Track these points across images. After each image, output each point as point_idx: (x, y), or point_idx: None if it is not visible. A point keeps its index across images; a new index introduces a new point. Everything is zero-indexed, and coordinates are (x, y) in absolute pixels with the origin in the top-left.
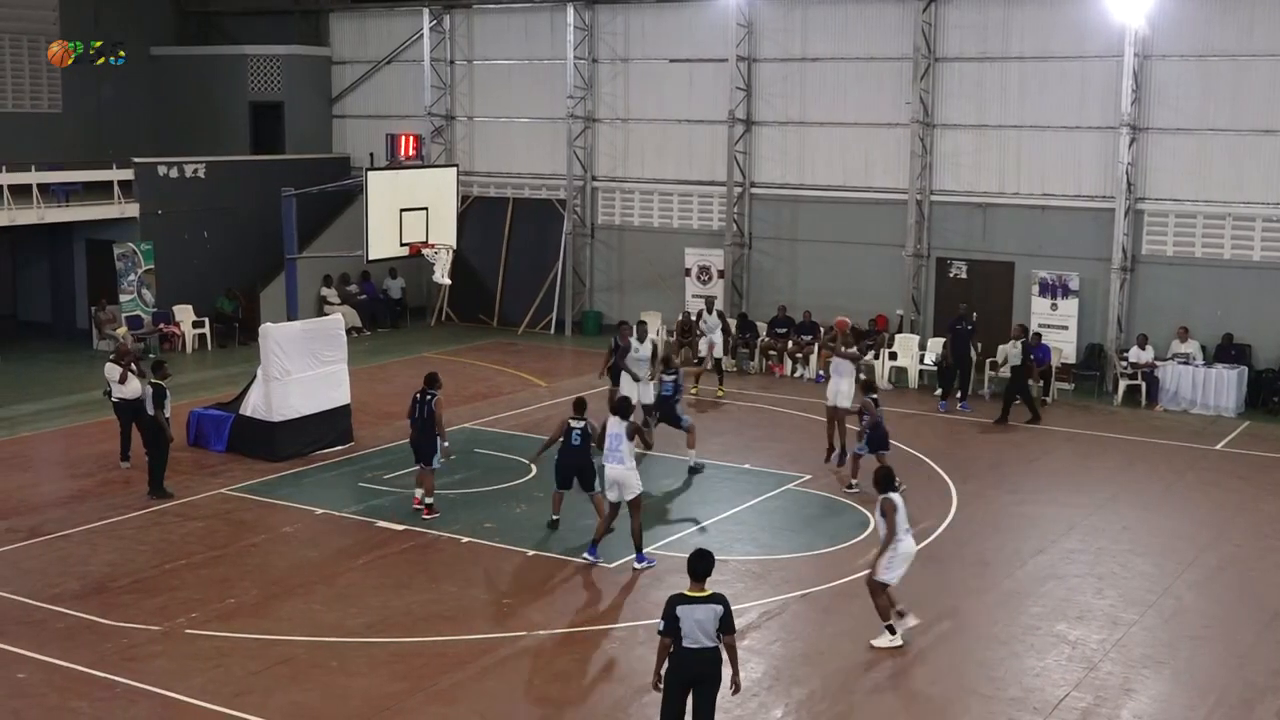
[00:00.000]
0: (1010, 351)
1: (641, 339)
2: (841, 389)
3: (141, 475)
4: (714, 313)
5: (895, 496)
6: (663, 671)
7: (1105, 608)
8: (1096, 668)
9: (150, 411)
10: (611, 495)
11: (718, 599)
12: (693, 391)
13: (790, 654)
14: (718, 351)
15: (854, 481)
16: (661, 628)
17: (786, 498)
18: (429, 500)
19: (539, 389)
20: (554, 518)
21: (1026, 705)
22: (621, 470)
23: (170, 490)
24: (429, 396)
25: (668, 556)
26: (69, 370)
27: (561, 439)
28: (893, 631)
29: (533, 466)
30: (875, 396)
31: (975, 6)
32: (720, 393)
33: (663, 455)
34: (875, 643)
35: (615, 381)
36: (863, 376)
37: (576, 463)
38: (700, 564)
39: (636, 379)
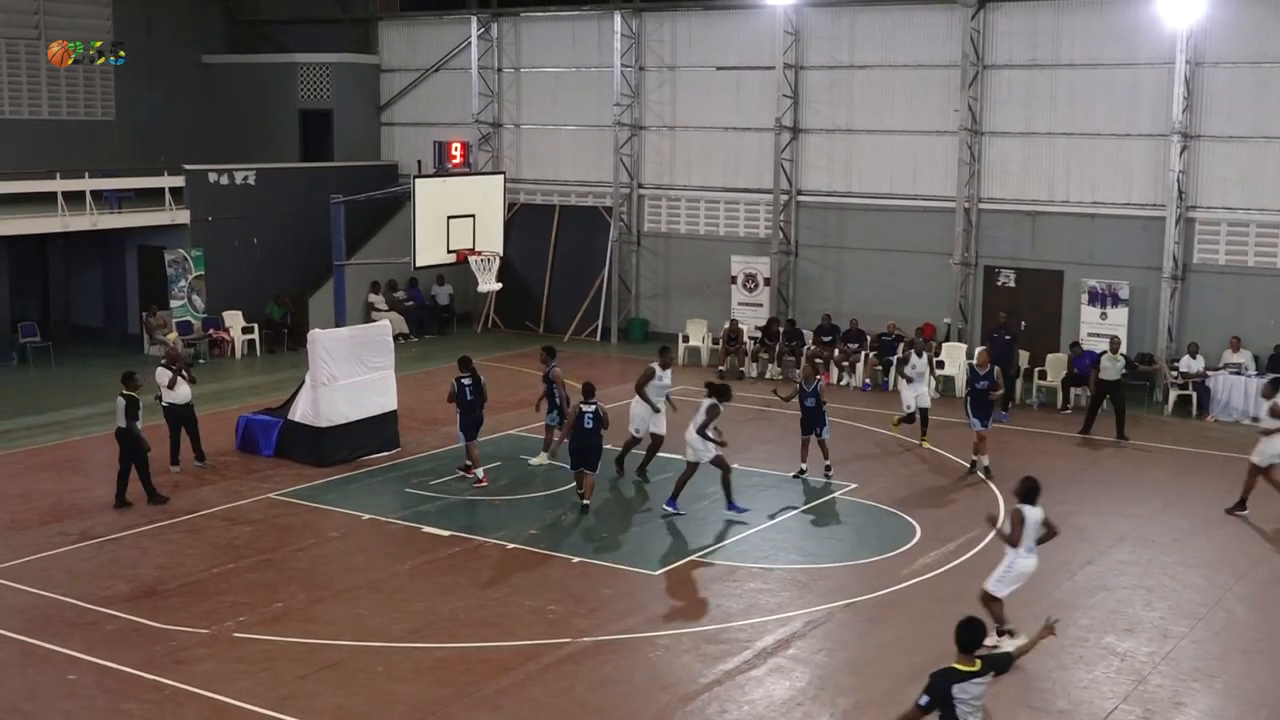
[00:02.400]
0: (1109, 365)
1: (666, 366)
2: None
3: (189, 480)
4: (924, 356)
5: (1029, 509)
6: None
7: (1155, 620)
8: (1146, 680)
9: (123, 424)
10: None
11: (987, 669)
12: (894, 428)
13: (835, 663)
14: (924, 401)
15: (826, 464)
16: (923, 702)
17: (832, 506)
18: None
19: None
20: (585, 502)
21: (1075, 717)
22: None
23: (131, 498)
24: (470, 379)
25: (710, 565)
26: (120, 375)
27: (576, 424)
28: (999, 635)
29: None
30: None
31: (1025, 13)
32: (925, 443)
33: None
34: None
35: (553, 408)
36: (820, 363)
37: (590, 444)
38: (971, 634)
39: (656, 409)
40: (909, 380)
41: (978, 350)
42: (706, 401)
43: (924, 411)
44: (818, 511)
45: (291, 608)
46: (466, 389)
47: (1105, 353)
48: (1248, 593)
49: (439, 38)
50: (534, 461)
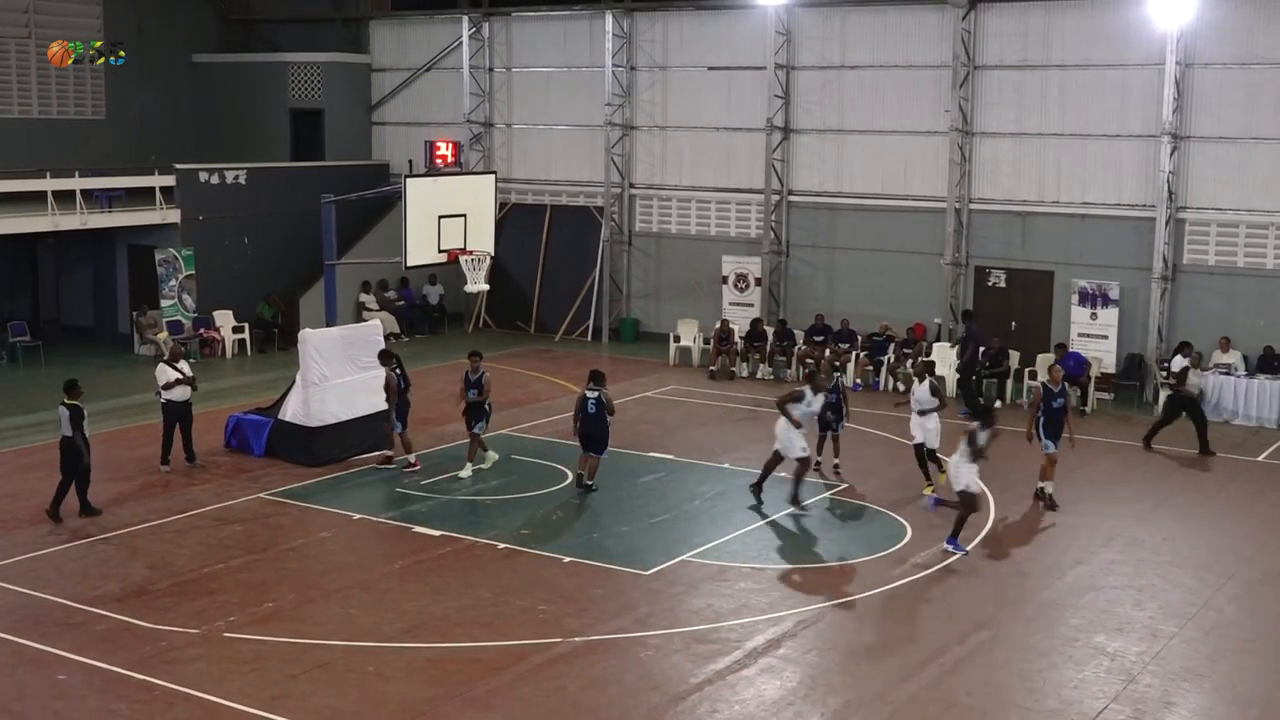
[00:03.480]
0: (1177, 371)
1: (817, 391)
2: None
3: (180, 479)
4: (926, 382)
5: None
6: None
7: (1145, 620)
8: (1136, 680)
9: (68, 433)
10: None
11: None
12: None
13: (826, 663)
14: (934, 441)
15: (835, 462)
16: None
17: (822, 506)
18: (391, 453)
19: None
20: (580, 473)
21: (1065, 717)
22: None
23: (96, 508)
24: (399, 369)
25: (703, 564)
26: (110, 374)
27: (580, 409)
28: None
29: (568, 473)
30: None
31: (1016, 14)
32: (929, 489)
33: (700, 464)
34: None
35: (471, 424)
36: (810, 364)
37: (596, 430)
38: None
39: (798, 425)
40: (918, 413)
41: (1049, 367)
42: (969, 426)
43: (932, 452)
44: (809, 511)
45: (282, 607)
46: (400, 378)
47: (1187, 367)
48: (1237, 593)
49: (430, 37)
50: (462, 474)
